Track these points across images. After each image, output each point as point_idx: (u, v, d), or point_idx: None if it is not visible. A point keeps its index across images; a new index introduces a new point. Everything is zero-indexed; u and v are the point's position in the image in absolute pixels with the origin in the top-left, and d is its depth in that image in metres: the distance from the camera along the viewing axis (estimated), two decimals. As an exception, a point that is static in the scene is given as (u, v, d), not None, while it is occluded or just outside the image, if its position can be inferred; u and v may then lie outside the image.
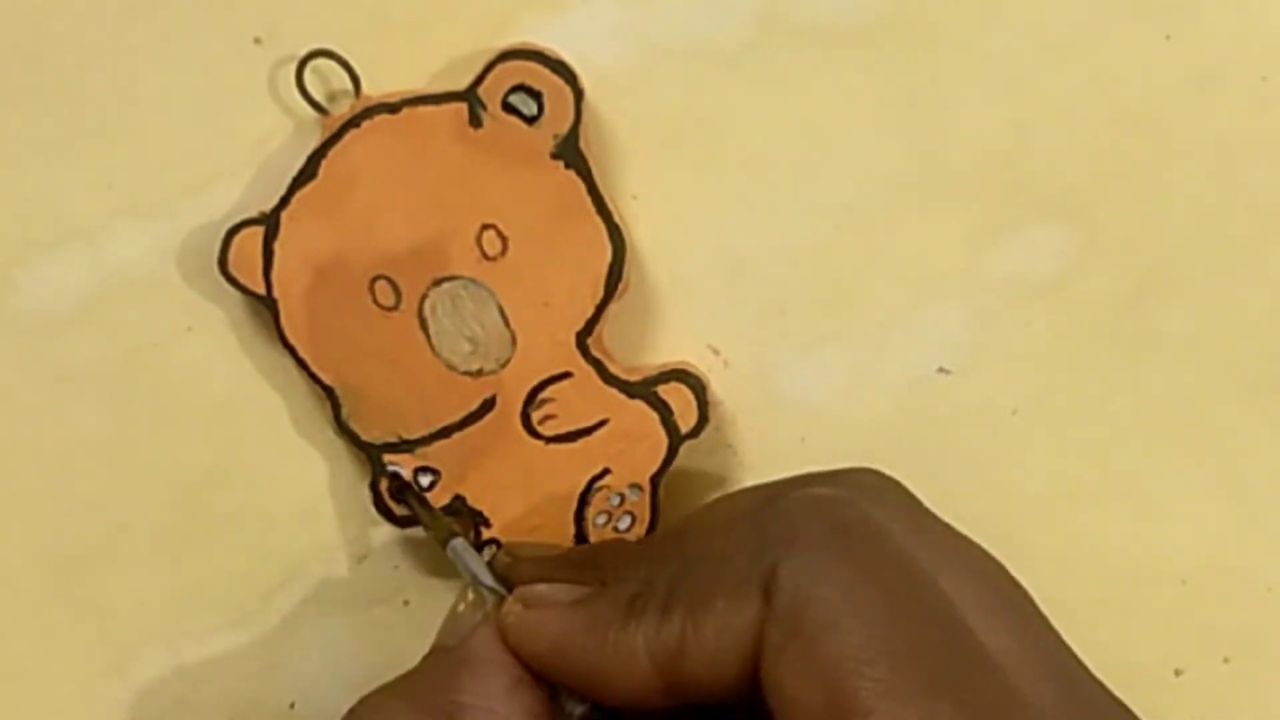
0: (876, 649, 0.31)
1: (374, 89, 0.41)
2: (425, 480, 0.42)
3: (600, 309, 0.41)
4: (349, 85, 0.41)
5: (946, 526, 0.36)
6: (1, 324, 0.43)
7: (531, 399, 0.41)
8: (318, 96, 0.42)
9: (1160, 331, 0.43)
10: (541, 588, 0.37)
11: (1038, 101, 0.42)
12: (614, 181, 0.42)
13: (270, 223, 0.41)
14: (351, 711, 0.36)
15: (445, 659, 0.37)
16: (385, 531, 0.43)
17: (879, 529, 0.34)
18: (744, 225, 0.42)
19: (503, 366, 0.41)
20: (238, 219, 0.41)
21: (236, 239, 0.41)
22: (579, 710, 0.36)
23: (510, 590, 0.38)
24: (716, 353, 0.42)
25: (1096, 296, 0.43)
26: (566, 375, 0.41)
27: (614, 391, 0.41)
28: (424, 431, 0.41)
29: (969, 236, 0.42)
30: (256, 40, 0.42)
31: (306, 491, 0.43)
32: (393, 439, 0.42)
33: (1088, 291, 0.42)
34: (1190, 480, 0.43)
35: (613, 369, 0.41)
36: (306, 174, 0.41)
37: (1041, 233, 0.42)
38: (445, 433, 0.41)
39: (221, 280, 0.41)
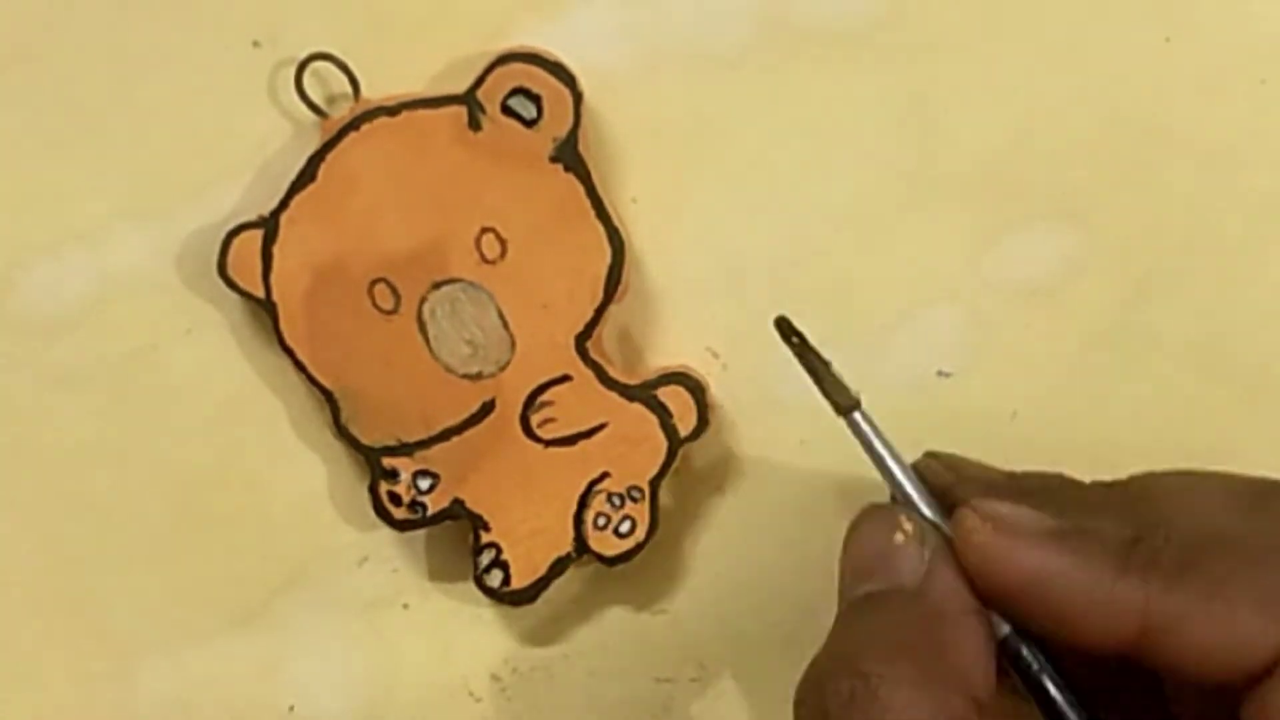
0: None
1: (373, 92, 0.41)
2: (424, 484, 0.42)
3: (599, 312, 0.41)
4: (348, 88, 0.41)
5: None
6: (1, 325, 0.43)
7: (531, 402, 0.41)
8: (317, 99, 0.42)
9: (1160, 331, 0.43)
10: (1007, 509, 0.32)
11: (1038, 102, 0.42)
12: (613, 184, 0.42)
13: (269, 226, 0.41)
14: (841, 662, 0.31)
15: (917, 610, 0.32)
16: (385, 534, 0.43)
17: None
18: (744, 227, 0.42)
19: (502, 369, 0.41)
20: (237, 222, 0.41)
21: (236, 242, 0.41)
22: (1004, 630, 0.33)
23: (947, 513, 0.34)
24: (716, 355, 0.42)
25: (1096, 297, 0.42)
26: (566, 378, 0.41)
27: (613, 395, 0.41)
28: (423, 434, 0.41)
29: (969, 238, 0.42)
30: (256, 43, 0.42)
31: (306, 494, 0.43)
32: (392, 442, 0.42)
33: (1088, 292, 0.42)
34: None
35: (612, 372, 0.41)
36: (306, 177, 0.41)
37: (1041, 233, 0.42)
38: (445, 436, 0.41)
39: (221, 283, 0.41)
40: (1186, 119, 0.42)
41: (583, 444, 0.41)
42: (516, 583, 0.42)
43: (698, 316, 0.42)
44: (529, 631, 0.43)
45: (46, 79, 0.43)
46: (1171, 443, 0.43)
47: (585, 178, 0.41)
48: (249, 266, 0.41)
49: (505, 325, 0.41)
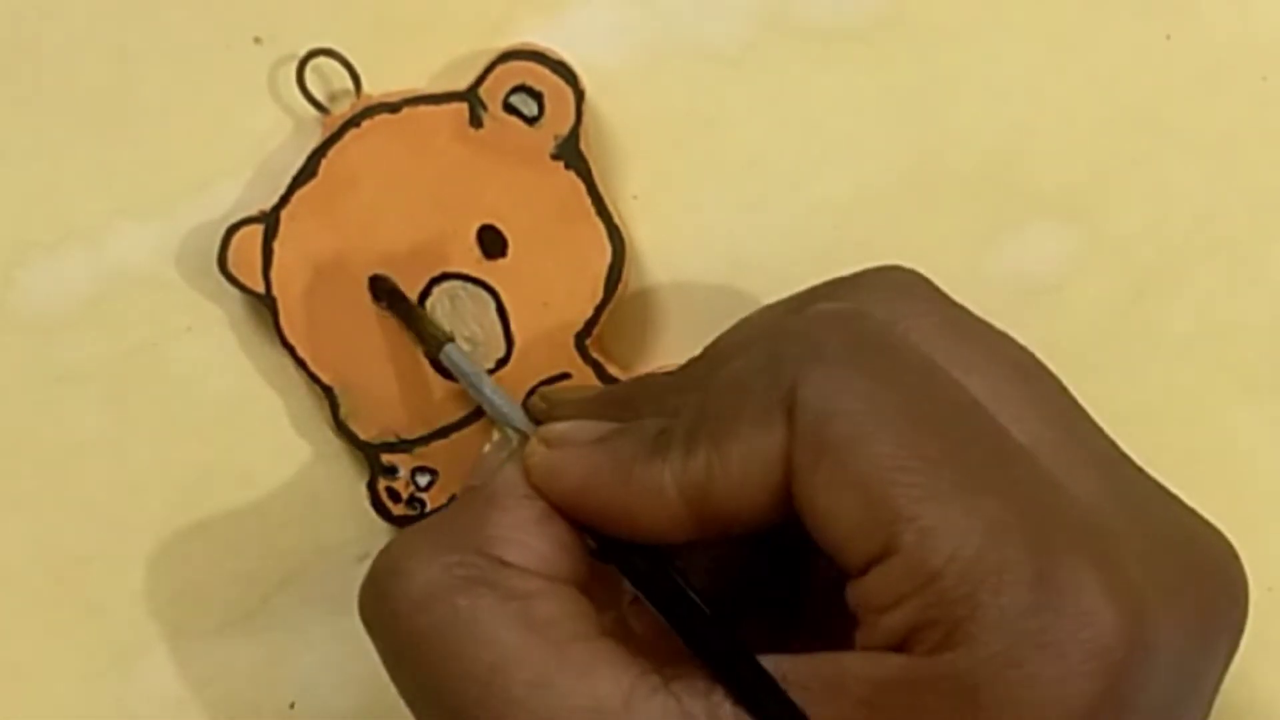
0: (908, 454, 0.30)
1: (375, 88, 0.41)
2: (423, 480, 0.42)
3: (599, 310, 0.41)
4: (350, 84, 0.41)
5: (973, 318, 0.35)
6: (1, 324, 0.43)
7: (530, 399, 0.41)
8: (318, 96, 0.42)
9: (1160, 331, 0.43)
10: (563, 426, 0.35)
11: (1038, 101, 0.42)
12: (614, 182, 0.42)
13: (270, 222, 0.41)
14: (383, 552, 0.34)
15: (471, 498, 0.35)
16: (384, 531, 0.43)
17: (896, 337, 0.33)
18: (744, 225, 0.42)
19: (501, 366, 0.41)
20: (237, 218, 0.41)
21: (236, 238, 0.41)
22: (592, 546, 0.34)
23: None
24: (716, 353, 0.42)
25: (1096, 296, 0.42)
26: (565, 376, 0.41)
27: (613, 392, 0.41)
28: (422, 431, 0.41)
29: (969, 236, 0.42)
30: (257, 39, 0.42)
31: (305, 491, 0.43)
32: (391, 438, 0.42)
33: (1088, 291, 0.42)
34: (1190, 480, 0.43)
35: (611, 370, 0.41)
36: (306, 173, 0.41)
37: (1041, 233, 0.42)
38: (443, 433, 0.41)
39: (221, 279, 0.41)
40: (1187, 116, 0.42)
41: (583, 441, 0.41)
42: (516, 579, 0.42)
43: (698, 314, 0.42)
44: (529, 628, 0.43)
45: (46, 77, 0.43)
46: (1173, 441, 0.43)
47: (586, 175, 0.41)
48: (249, 262, 0.41)
49: (505, 322, 0.41)
